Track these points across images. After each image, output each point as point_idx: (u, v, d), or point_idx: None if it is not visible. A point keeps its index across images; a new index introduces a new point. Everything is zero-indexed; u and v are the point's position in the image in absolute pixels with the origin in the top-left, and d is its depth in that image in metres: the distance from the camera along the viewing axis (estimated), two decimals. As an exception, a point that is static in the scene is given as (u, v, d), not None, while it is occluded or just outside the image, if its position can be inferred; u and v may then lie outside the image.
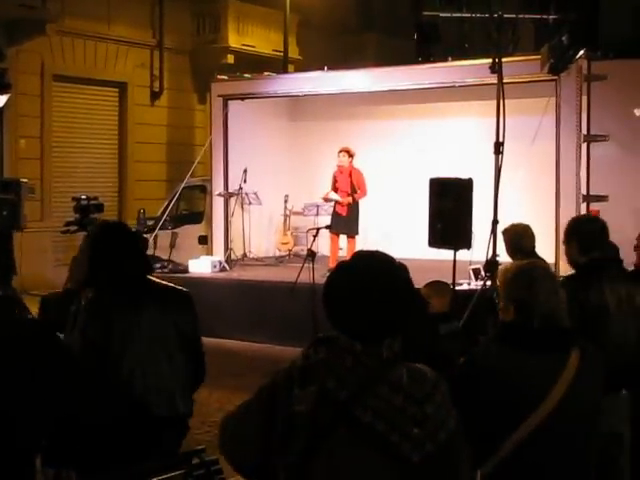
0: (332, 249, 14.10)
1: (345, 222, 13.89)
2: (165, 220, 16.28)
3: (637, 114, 12.00)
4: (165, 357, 4.28)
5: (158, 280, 4.48)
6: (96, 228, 4.88)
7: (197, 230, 16.86)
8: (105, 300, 4.23)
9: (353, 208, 13.90)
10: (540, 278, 3.47)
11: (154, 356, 4.24)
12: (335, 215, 13.99)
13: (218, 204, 15.67)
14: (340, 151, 13.93)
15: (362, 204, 13.95)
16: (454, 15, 10.16)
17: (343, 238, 14.14)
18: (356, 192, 13.85)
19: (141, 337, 4.20)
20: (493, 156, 9.24)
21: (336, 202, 13.94)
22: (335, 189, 14.00)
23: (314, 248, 12.11)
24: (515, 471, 3.25)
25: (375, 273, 2.70)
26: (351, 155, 13.91)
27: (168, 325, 4.30)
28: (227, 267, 14.88)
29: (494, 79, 9.41)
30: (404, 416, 2.56)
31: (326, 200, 14.39)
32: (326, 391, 2.59)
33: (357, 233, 13.98)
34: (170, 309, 4.34)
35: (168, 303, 4.36)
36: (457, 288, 9.85)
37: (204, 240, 16.36)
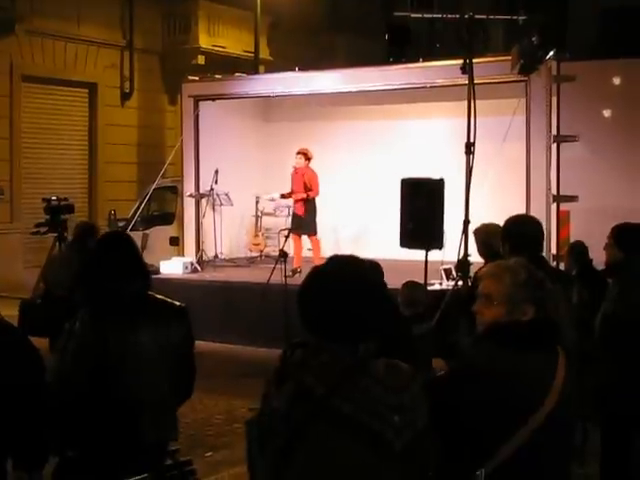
0: (295, 249, 14.22)
1: (303, 222, 14.05)
2: (136, 221, 16.22)
3: (606, 115, 12.11)
4: (163, 376, 4.17)
5: (154, 295, 4.31)
6: (93, 240, 4.62)
7: (168, 231, 16.82)
8: (102, 322, 4.08)
9: (309, 207, 14.05)
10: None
11: (153, 376, 4.13)
12: (294, 215, 14.24)
13: (189, 205, 15.64)
14: (297, 153, 14.15)
15: (333, 204, 13.99)
16: (425, 16, 10.20)
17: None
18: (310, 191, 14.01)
19: (140, 357, 4.07)
20: (464, 156, 9.28)
21: (294, 202, 14.18)
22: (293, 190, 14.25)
23: (286, 249, 12.10)
24: (517, 469, 3.21)
25: (348, 278, 2.76)
26: (308, 158, 14.10)
27: (165, 343, 4.17)
28: (199, 268, 14.84)
29: (465, 80, 9.45)
30: (384, 405, 2.62)
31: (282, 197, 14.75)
32: (303, 387, 2.65)
33: (315, 232, 14.07)
34: (167, 327, 4.20)
35: (165, 321, 4.22)
36: (429, 288, 9.88)
37: (175, 241, 16.33)
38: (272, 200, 15.27)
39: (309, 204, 14.04)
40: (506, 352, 3.29)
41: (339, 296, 2.71)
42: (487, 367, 3.29)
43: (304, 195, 13.96)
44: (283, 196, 14.70)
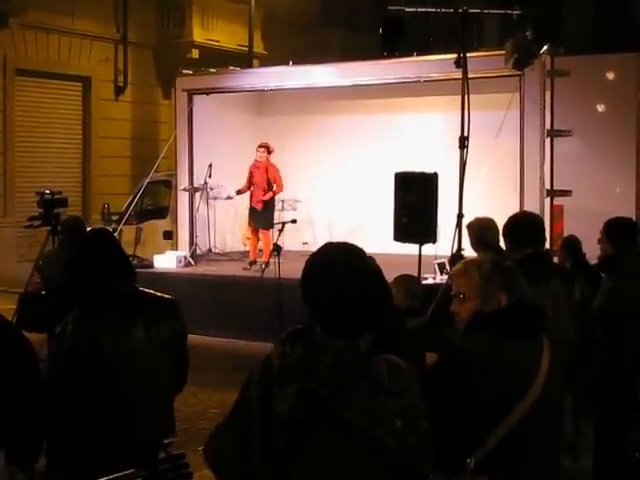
0: (252, 243, 14.52)
1: (261, 216, 14.26)
2: (129, 215, 16.19)
3: (600, 110, 12.13)
4: (159, 373, 4.14)
5: (144, 290, 4.27)
6: (80, 240, 4.57)
7: (162, 225, 16.79)
8: (95, 322, 4.02)
9: (269, 203, 14.27)
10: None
11: (149, 374, 4.09)
12: (252, 210, 14.40)
13: (183, 199, 15.62)
14: (259, 146, 14.40)
15: (326, 197, 13.99)
16: (419, 10, 10.20)
17: (308, 232, 14.17)
18: (272, 187, 14.19)
19: (135, 356, 4.03)
20: (458, 150, 9.28)
21: (252, 196, 14.38)
22: (251, 183, 14.39)
23: (279, 242, 12.11)
24: (505, 457, 3.22)
25: (350, 265, 2.70)
26: (270, 151, 14.30)
27: (159, 339, 4.13)
28: (192, 262, 14.83)
29: (459, 74, 9.44)
30: (386, 410, 2.60)
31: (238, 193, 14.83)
32: (307, 390, 2.60)
33: (271, 227, 14.20)
34: (160, 323, 4.17)
35: (158, 316, 4.18)
36: (422, 282, 9.89)
37: (169, 235, 16.30)
38: (229, 198, 15.34)
39: (269, 199, 14.27)
40: (490, 340, 3.31)
41: (347, 289, 2.65)
42: (471, 356, 3.30)
43: (270, 194, 14.20)
44: (239, 192, 14.77)
